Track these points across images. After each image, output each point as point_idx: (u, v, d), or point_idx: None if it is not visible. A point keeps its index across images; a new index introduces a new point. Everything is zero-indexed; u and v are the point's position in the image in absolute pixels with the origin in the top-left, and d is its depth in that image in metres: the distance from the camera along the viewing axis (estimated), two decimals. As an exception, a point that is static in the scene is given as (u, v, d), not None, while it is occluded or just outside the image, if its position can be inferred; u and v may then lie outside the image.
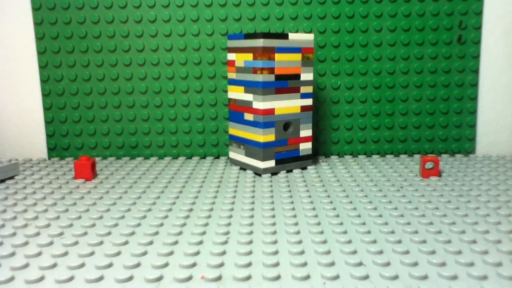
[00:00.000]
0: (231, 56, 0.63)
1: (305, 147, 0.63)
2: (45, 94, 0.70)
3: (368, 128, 0.71)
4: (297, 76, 0.61)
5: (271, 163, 0.61)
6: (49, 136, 0.71)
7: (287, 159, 0.62)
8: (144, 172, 0.62)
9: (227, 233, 0.41)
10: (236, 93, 0.63)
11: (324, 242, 0.39)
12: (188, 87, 0.70)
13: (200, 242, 0.39)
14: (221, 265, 0.35)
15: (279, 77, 0.59)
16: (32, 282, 0.33)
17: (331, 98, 0.70)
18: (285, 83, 0.60)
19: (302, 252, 0.37)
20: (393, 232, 0.41)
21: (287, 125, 0.62)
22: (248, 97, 0.61)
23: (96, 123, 0.71)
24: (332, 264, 0.35)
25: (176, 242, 0.39)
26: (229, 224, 0.43)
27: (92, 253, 0.37)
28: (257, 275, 0.34)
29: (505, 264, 0.35)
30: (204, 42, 0.69)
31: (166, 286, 0.33)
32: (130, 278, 0.33)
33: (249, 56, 0.60)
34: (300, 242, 0.39)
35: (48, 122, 0.71)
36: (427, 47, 0.70)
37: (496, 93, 0.72)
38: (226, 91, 0.70)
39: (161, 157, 0.71)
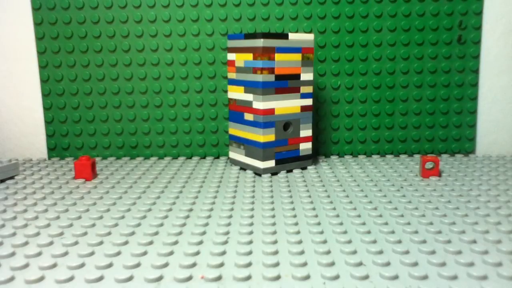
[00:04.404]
0: (231, 56, 0.63)
1: (305, 147, 0.63)
2: (45, 94, 0.70)
3: (368, 128, 0.71)
4: (297, 76, 0.61)
5: (271, 163, 0.61)
6: (49, 136, 0.71)
7: (287, 159, 0.62)
8: (144, 172, 0.62)
9: (227, 233, 0.41)
10: (236, 93, 0.63)
11: (324, 242, 0.39)
12: (188, 87, 0.70)
13: (200, 242, 0.39)
14: (221, 265, 0.35)
15: (279, 77, 0.59)
16: (32, 282, 0.33)
17: (331, 98, 0.70)
18: (285, 83, 0.60)
19: (302, 252, 0.37)
20: (393, 232, 0.41)
21: (287, 125, 0.62)
22: (248, 97, 0.61)
23: (96, 123, 0.71)
24: (332, 264, 0.35)
25: (176, 242, 0.39)
26: (229, 224, 0.43)
27: (92, 253, 0.37)
28: (257, 275, 0.34)
29: (505, 264, 0.35)
30: (204, 42, 0.69)
31: (166, 286, 0.33)
32: (130, 278, 0.33)
33: (249, 56, 0.60)
34: (300, 242, 0.39)
35: (48, 122, 0.71)
36: (427, 47, 0.70)
37: (496, 93, 0.72)
38: (226, 91, 0.70)
39: (161, 157, 0.71)
